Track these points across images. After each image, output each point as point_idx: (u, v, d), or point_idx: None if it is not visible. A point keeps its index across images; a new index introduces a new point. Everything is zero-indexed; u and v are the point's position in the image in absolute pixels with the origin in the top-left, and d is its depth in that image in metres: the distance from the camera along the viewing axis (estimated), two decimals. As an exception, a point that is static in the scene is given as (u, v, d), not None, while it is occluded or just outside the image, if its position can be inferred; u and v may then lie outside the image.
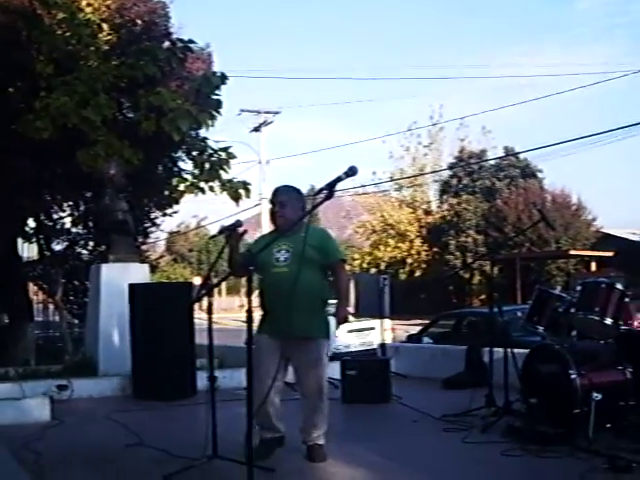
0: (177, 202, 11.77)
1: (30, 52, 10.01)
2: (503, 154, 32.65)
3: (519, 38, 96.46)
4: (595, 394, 5.07)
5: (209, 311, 4.58)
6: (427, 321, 14.46)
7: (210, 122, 9.72)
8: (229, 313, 33.42)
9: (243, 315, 4.08)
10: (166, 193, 11.65)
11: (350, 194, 31.59)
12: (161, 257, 29.40)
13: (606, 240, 29.16)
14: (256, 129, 29.74)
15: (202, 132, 10.52)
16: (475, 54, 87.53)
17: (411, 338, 13.29)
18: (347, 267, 5.48)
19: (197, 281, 24.49)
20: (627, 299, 5.62)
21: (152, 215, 13.61)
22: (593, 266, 26.19)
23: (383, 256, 34.51)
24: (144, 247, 14.71)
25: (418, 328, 14.39)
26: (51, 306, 14.10)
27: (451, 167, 34.32)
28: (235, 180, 9.99)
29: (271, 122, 29.77)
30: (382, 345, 9.28)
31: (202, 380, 6.62)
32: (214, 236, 5.33)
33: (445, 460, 5.02)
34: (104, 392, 7.93)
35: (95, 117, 9.03)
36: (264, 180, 28.83)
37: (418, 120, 34.48)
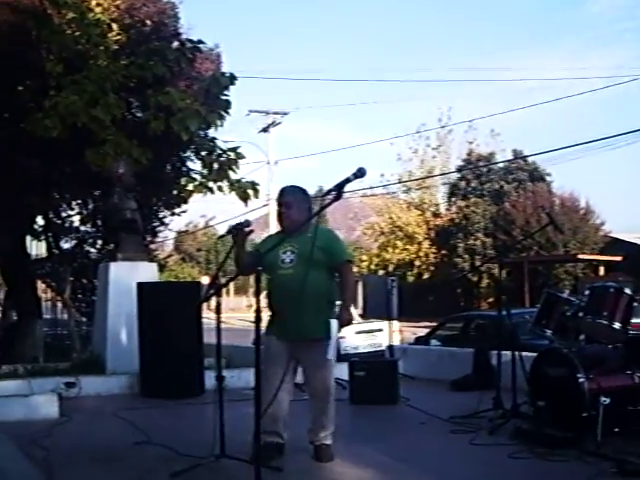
0: (185, 201, 11.82)
1: (40, 51, 10.06)
2: (512, 157, 32.59)
3: (528, 41, 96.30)
4: (603, 398, 5.04)
5: (217, 311, 4.59)
6: (435, 323, 14.43)
7: (219, 122, 9.77)
8: (236, 313, 33.45)
9: (251, 315, 4.09)
10: (175, 192, 11.70)
11: (358, 195, 31.59)
12: (169, 256, 29.41)
13: (614, 244, 29.06)
14: (264, 130, 29.79)
15: (211, 132, 10.59)
16: (485, 57, 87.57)
17: (419, 340, 13.26)
18: (355, 269, 5.49)
19: (205, 281, 24.50)
20: (635, 303, 5.61)
21: (160, 214, 13.65)
22: (601, 270, 26.09)
23: (391, 258, 34.43)
24: (152, 246, 14.75)
25: (426, 330, 14.39)
26: (59, 304, 14.13)
27: (459, 170, 34.23)
28: (243, 180, 10.03)
29: (279, 123, 29.84)
30: (390, 347, 9.30)
31: (210, 379, 6.63)
32: (222, 236, 5.32)
33: (452, 462, 5.01)
34: (112, 390, 7.96)
35: (104, 116, 9.08)
36: (272, 181, 28.89)
37: (427, 122, 34.47)
